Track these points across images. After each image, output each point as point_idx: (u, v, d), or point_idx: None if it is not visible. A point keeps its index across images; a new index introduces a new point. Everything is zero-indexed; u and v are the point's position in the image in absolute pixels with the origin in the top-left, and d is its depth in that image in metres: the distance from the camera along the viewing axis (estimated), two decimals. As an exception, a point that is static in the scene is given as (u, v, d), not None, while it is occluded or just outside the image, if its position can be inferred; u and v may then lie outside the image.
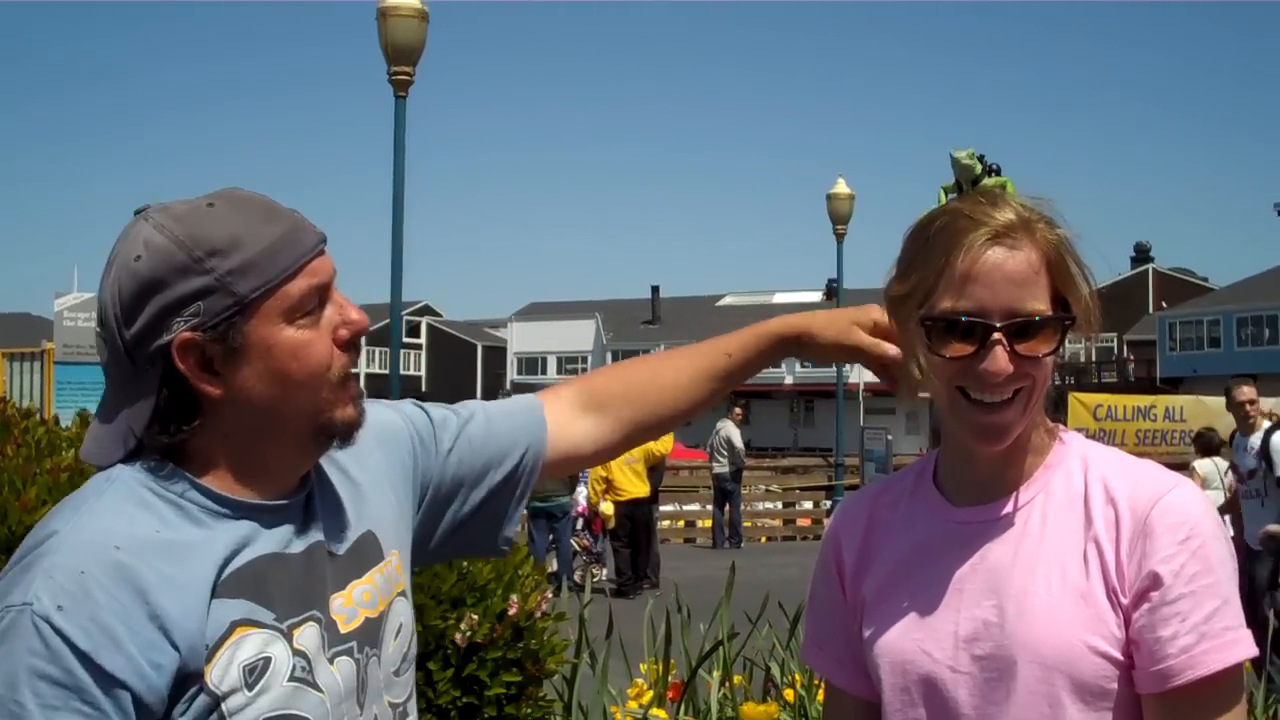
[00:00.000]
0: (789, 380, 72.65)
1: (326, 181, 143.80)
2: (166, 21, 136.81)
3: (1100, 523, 1.60)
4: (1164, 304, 65.86)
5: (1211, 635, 1.52)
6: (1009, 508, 1.67)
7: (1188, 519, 1.57)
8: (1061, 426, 1.75)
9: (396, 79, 12.98)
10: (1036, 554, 1.62)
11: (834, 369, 34.20)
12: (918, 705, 1.66)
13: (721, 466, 19.88)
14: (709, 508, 21.42)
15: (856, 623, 1.78)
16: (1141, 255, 74.54)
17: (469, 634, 3.42)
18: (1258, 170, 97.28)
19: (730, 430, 20.04)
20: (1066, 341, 1.66)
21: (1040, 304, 1.59)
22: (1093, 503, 1.63)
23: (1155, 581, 1.54)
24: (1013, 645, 1.58)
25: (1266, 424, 10.03)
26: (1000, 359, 1.58)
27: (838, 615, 1.82)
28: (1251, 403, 10.31)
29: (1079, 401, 20.20)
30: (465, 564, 3.55)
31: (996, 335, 1.58)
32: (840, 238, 21.70)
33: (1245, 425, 10.32)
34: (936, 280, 1.62)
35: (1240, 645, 1.54)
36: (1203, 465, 12.50)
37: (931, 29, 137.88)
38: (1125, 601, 1.56)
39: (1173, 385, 52.17)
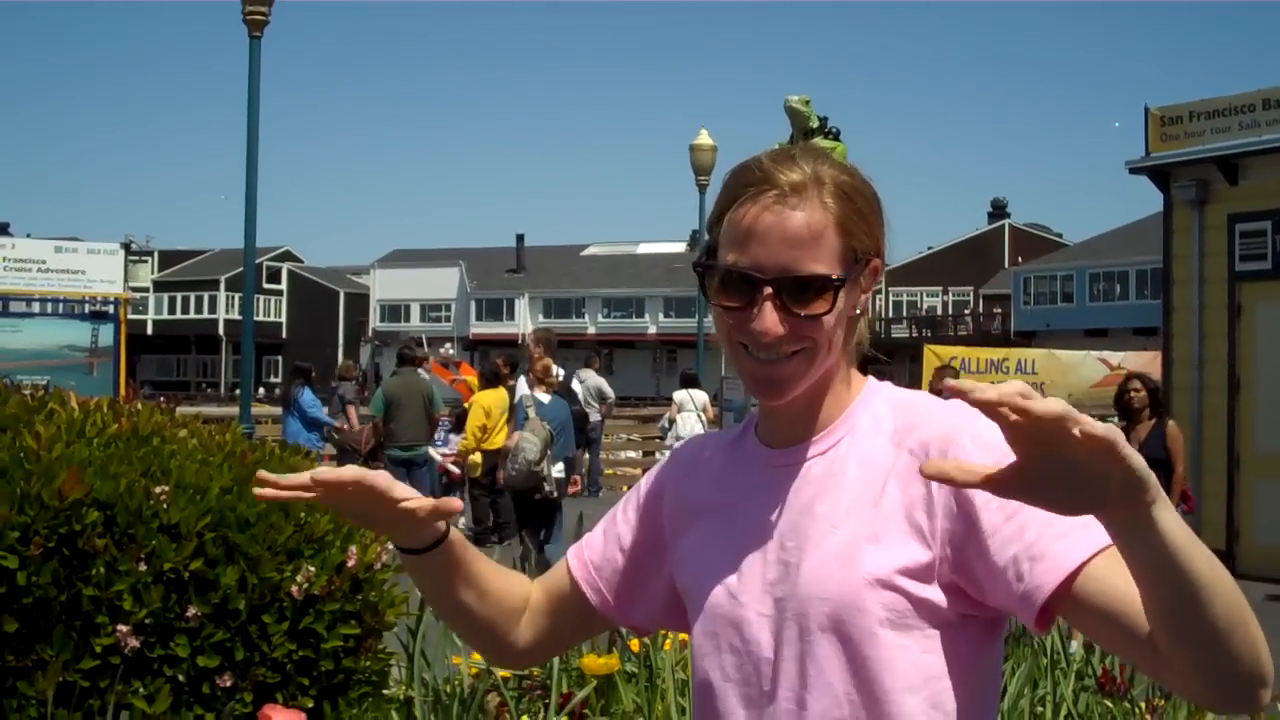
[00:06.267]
0: (652, 330, 72.95)
1: (190, 124, 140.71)
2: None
3: (905, 458, 1.59)
4: (1019, 259, 67.14)
5: (1063, 536, 1.46)
6: (815, 449, 1.67)
7: (997, 442, 1.50)
8: (871, 378, 1.75)
9: (251, 18, 12.71)
10: (839, 494, 1.62)
11: (695, 319, 34.41)
12: (724, 648, 1.67)
13: (590, 415, 19.84)
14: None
15: (641, 550, 1.84)
16: (998, 211, 75.95)
17: (305, 586, 3.36)
18: (1111, 130, 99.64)
19: (598, 379, 20.02)
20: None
21: (820, 266, 1.57)
22: (898, 440, 1.62)
23: (978, 507, 1.51)
24: (806, 586, 1.59)
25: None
26: (769, 318, 1.57)
27: (612, 534, 1.87)
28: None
29: (934, 354, 20.51)
30: (303, 514, 3.48)
31: (767, 291, 1.57)
32: (703, 189, 21.77)
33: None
34: (723, 230, 1.63)
35: (1089, 539, 1.45)
36: (679, 395, 19.20)
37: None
38: (938, 533, 1.54)
39: (1026, 339, 53.30)
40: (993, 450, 1.51)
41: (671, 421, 20.03)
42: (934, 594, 1.55)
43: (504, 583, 1.87)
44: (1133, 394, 9.82)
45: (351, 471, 1.65)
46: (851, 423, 1.67)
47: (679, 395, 19.57)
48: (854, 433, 1.66)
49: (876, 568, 1.55)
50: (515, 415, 11.11)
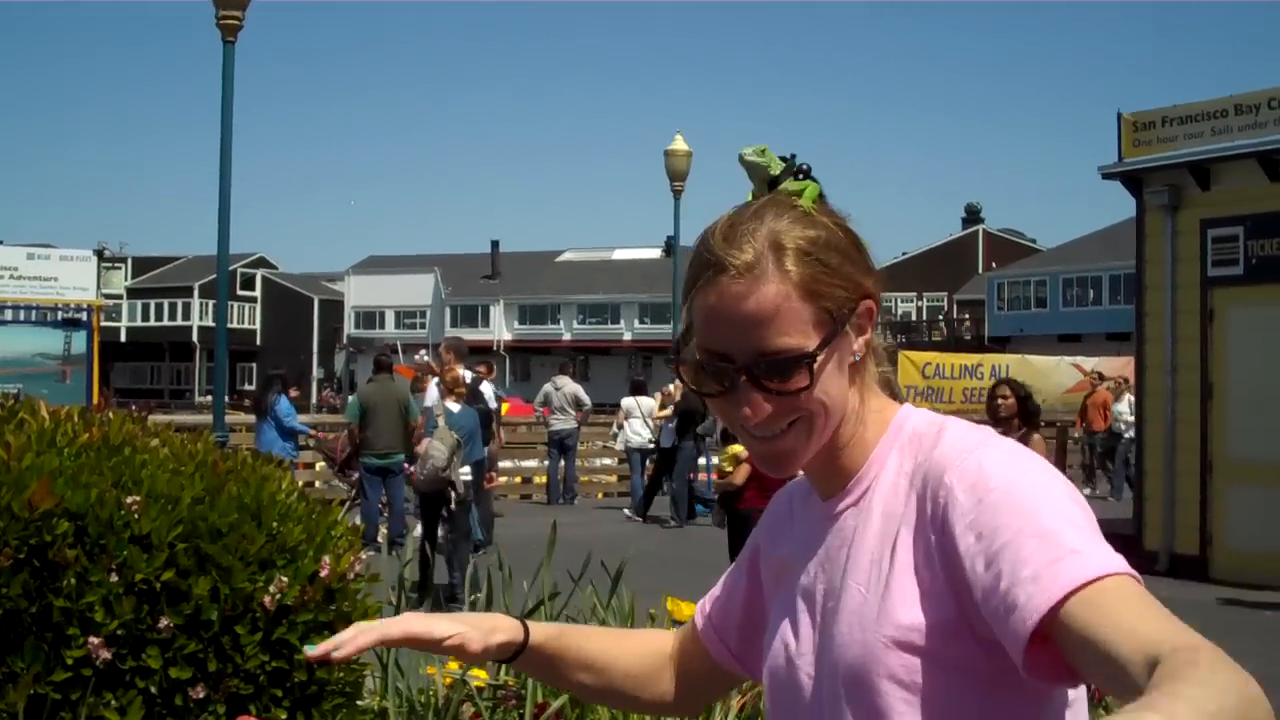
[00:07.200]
0: (628, 336, 72.92)
1: (164, 131, 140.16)
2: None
3: (913, 501, 1.52)
4: (993, 264, 67.36)
5: (1032, 580, 1.33)
6: (848, 500, 1.61)
7: (983, 478, 1.45)
8: (906, 404, 1.66)
9: (225, 24, 12.66)
10: (864, 548, 1.55)
11: (670, 325, 34.46)
12: (785, 712, 1.63)
13: (563, 423, 19.87)
14: (545, 463, 21.37)
15: (752, 604, 1.82)
16: (972, 216, 76.28)
17: (278, 596, 3.33)
18: (1084, 136, 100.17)
19: (574, 386, 20.09)
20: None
21: (789, 339, 1.50)
22: (910, 480, 1.54)
23: (963, 551, 1.42)
24: (835, 649, 1.53)
25: None
26: (749, 403, 1.52)
27: (728, 587, 1.87)
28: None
29: (908, 359, 20.62)
30: (275, 524, 3.46)
31: (742, 378, 1.52)
32: (678, 195, 21.80)
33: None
34: (690, 314, 1.58)
35: (1064, 575, 1.31)
36: (626, 401, 20.20)
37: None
38: (941, 589, 1.46)
39: (1000, 344, 53.39)
40: (976, 489, 1.45)
41: (620, 427, 20.47)
42: (959, 650, 1.46)
43: (625, 651, 1.87)
44: (1000, 400, 9.49)
45: (375, 635, 1.61)
46: (878, 466, 1.60)
47: (626, 402, 20.35)
48: (880, 478, 1.59)
49: (891, 628, 1.48)
50: (426, 422, 11.96)
